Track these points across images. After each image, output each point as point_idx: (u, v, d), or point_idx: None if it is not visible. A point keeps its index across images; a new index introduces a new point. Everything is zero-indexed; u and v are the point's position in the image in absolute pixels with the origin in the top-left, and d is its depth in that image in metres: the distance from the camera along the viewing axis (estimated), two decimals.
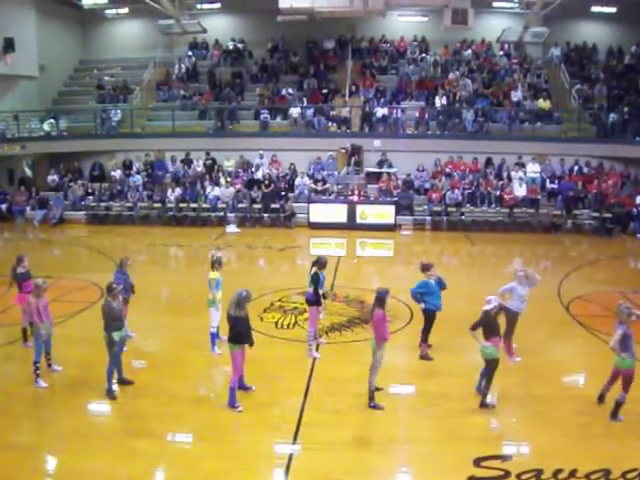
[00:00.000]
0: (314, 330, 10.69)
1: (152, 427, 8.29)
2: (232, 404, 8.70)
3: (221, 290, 10.51)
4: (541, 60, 28.12)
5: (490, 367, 8.69)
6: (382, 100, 25.83)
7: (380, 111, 24.96)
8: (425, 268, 10.52)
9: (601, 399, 8.75)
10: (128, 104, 27.01)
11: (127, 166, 24.73)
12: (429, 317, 10.59)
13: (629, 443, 7.93)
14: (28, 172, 25.68)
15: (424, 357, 10.59)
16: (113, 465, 7.41)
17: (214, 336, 10.65)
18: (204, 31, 27.56)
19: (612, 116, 23.86)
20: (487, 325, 8.65)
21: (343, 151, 24.27)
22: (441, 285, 10.55)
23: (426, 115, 24.99)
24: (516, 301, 10.24)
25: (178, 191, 23.11)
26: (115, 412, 8.88)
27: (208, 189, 23.04)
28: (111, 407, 8.99)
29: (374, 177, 23.65)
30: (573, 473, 7.23)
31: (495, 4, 27.62)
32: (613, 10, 26.93)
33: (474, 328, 8.68)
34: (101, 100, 27.38)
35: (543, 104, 24.81)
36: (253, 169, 24.08)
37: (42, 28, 26.36)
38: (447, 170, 23.56)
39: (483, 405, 8.73)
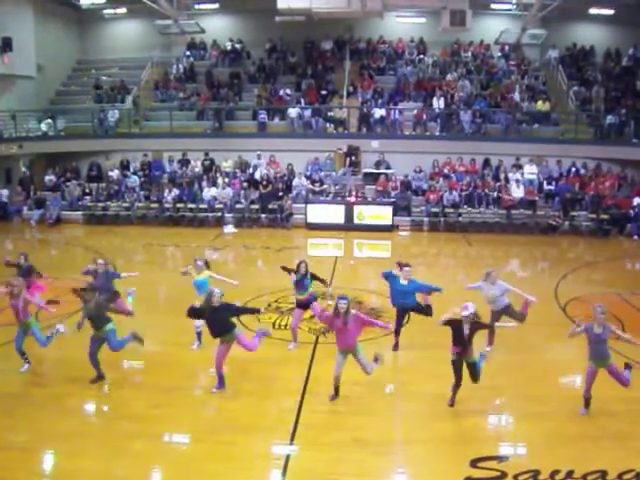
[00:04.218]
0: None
1: (148, 428, 8.27)
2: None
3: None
4: (539, 62, 28.16)
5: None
6: (380, 101, 25.84)
7: (378, 112, 24.98)
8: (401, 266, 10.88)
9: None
10: (126, 104, 26.98)
11: (124, 166, 24.71)
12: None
13: (626, 444, 7.93)
14: (26, 172, 25.63)
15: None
16: (109, 466, 7.38)
17: (199, 335, 10.84)
18: (202, 31, 27.59)
19: (609, 118, 23.91)
20: (454, 331, 8.65)
21: (340, 152, 24.28)
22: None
23: (424, 116, 25.00)
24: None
25: (175, 191, 23.09)
26: (110, 412, 8.86)
27: (205, 190, 23.03)
28: (107, 407, 8.99)
29: (372, 178, 23.67)
30: (570, 474, 7.22)
31: (493, 6, 27.65)
32: (611, 12, 26.97)
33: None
34: (99, 100, 27.33)
35: (542, 106, 24.82)
36: (250, 170, 24.07)
37: (40, 28, 26.32)
38: (445, 171, 23.57)
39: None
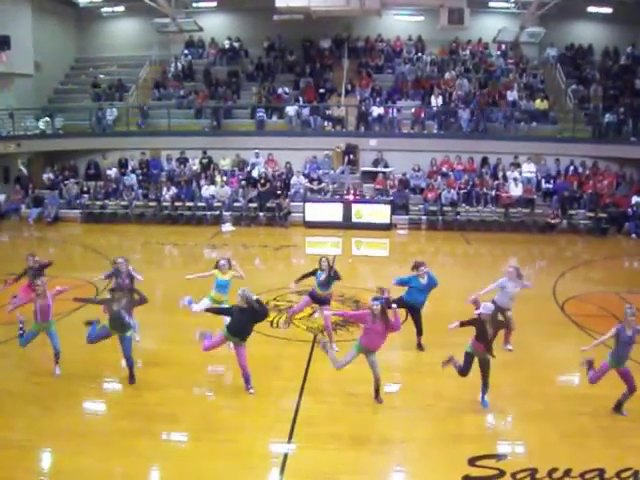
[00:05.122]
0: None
1: (147, 426, 8.28)
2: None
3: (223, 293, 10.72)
4: (537, 60, 28.13)
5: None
6: (378, 99, 25.80)
7: (376, 110, 24.94)
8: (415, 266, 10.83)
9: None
10: (124, 102, 26.96)
11: (123, 165, 24.68)
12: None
13: (623, 442, 7.96)
14: (24, 170, 25.60)
15: None
16: (108, 464, 7.40)
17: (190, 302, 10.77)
18: (200, 30, 27.46)
19: (607, 116, 23.89)
20: (477, 329, 8.72)
21: (338, 150, 24.28)
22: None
23: (422, 114, 25.00)
24: (501, 296, 10.55)
25: (173, 190, 23.09)
26: (110, 411, 8.87)
27: (204, 188, 23.03)
28: (106, 406, 9.00)
29: (370, 176, 23.67)
30: (568, 472, 7.24)
31: (491, 4, 27.58)
32: (609, 11, 26.97)
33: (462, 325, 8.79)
34: (97, 98, 27.30)
35: (540, 104, 24.83)
36: (249, 168, 24.07)
37: (38, 26, 26.25)
38: (443, 170, 23.59)
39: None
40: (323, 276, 10.64)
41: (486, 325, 8.59)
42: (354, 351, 8.85)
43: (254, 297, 9.01)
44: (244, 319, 8.94)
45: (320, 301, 10.82)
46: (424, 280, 10.67)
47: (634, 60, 26.77)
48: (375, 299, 8.79)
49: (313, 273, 10.82)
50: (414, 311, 10.86)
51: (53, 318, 9.78)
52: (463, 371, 8.81)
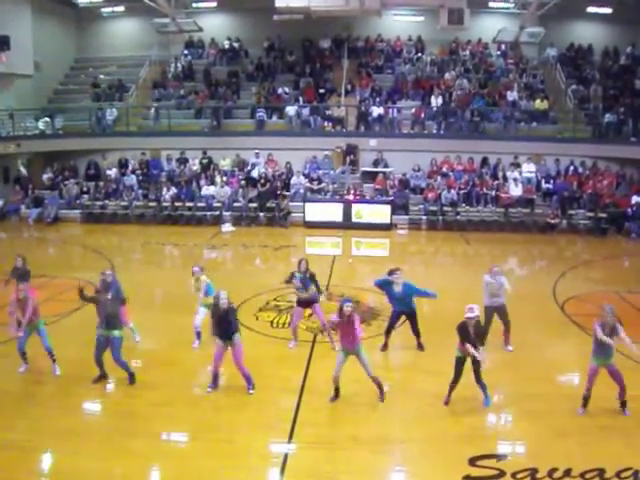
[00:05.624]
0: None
1: (147, 426, 8.27)
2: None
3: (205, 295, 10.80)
4: (537, 60, 28.14)
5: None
6: (378, 99, 25.81)
7: (376, 110, 24.95)
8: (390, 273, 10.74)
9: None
10: (124, 102, 26.97)
11: (123, 165, 24.68)
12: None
13: (624, 442, 7.95)
14: (23, 171, 25.59)
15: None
16: (108, 464, 7.39)
17: (198, 334, 10.94)
18: (200, 30, 27.47)
19: (607, 116, 23.89)
20: (461, 334, 8.71)
21: (339, 150, 24.29)
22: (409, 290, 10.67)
23: (422, 115, 25.00)
24: (486, 296, 10.65)
25: (173, 190, 23.09)
26: (109, 411, 8.86)
27: (204, 188, 23.04)
28: (105, 406, 8.99)
29: (370, 176, 23.67)
30: (568, 472, 7.23)
31: (491, 4, 27.59)
32: (609, 11, 27.01)
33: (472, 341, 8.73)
34: (97, 99, 27.30)
35: (540, 104, 24.83)
36: (249, 168, 24.06)
37: (37, 26, 26.26)
38: (443, 170, 23.58)
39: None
40: (299, 278, 10.72)
41: (469, 328, 8.60)
42: (340, 355, 8.90)
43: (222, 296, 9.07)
44: (228, 319, 8.98)
45: (308, 303, 10.84)
46: (398, 288, 10.53)
47: (634, 60, 26.78)
48: (346, 300, 8.88)
49: (292, 276, 10.84)
50: (408, 317, 10.83)
51: (39, 318, 9.69)
52: (455, 378, 8.80)
